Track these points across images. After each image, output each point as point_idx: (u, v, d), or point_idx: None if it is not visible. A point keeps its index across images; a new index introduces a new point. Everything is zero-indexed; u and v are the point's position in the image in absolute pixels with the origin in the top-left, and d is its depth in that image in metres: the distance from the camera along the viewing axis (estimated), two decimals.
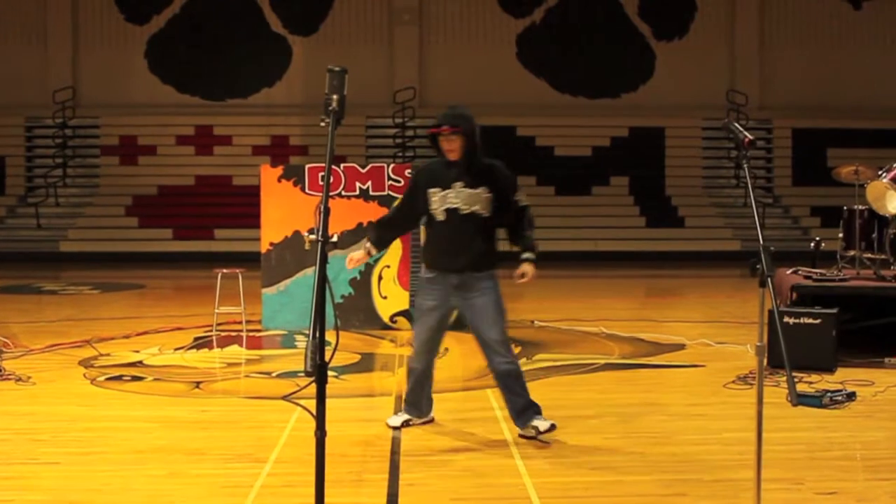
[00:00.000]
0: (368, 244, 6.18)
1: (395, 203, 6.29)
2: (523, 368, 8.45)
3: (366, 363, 8.78)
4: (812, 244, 9.82)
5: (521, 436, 6.06)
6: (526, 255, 6.13)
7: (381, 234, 6.28)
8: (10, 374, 7.83)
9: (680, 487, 5.09)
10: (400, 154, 24.00)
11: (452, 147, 5.94)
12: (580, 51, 25.10)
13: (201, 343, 9.87)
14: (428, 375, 6.35)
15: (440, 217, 5.99)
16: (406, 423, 6.34)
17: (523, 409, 6.08)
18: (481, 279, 6.04)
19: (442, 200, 5.97)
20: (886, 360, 8.35)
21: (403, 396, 6.49)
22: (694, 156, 25.04)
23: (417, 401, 6.38)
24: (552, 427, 6.00)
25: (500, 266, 6.15)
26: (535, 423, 6.02)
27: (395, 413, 6.50)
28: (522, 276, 6.14)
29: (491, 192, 6.00)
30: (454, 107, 6.11)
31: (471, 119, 6.00)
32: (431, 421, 6.44)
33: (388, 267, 10.58)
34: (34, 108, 24.41)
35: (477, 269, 6.03)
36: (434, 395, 7.26)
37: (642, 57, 25.53)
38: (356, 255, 6.11)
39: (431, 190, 5.99)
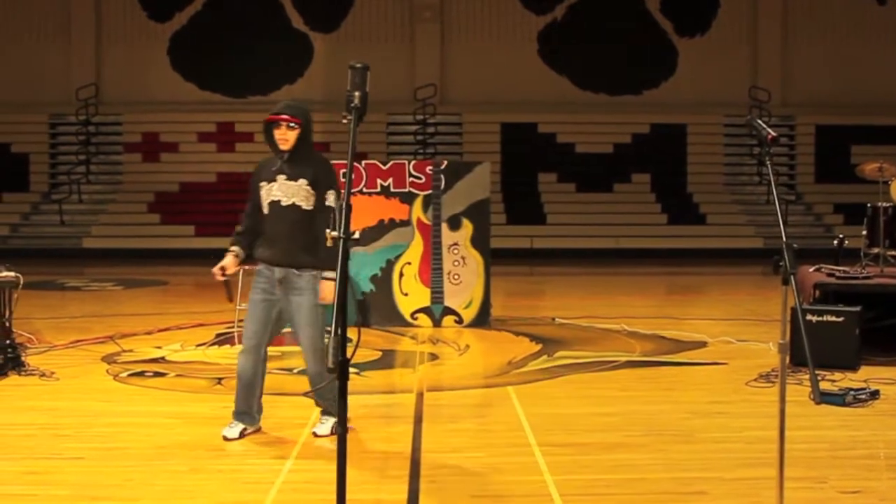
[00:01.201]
0: (237, 248, 6.20)
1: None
2: (544, 366, 8.50)
3: (387, 360, 8.79)
4: (835, 241, 9.76)
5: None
6: (325, 273, 5.82)
7: (248, 241, 6.22)
8: (34, 370, 7.88)
9: (701, 485, 5.07)
10: (421, 151, 24.01)
11: (287, 137, 5.94)
12: (602, 47, 25.02)
13: (223, 339, 9.90)
14: (257, 374, 6.07)
15: (265, 210, 5.99)
16: (242, 434, 6.01)
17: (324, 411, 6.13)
18: (301, 277, 5.92)
19: (267, 193, 5.98)
20: None
21: (234, 404, 6.10)
22: (716, 153, 24.94)
23: (249, 408, 6.07)
24: (333, 433, 5.82)
25: None
26: (320, 426, 6.07)
27: (230, 424, 6.07)
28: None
29: (310, 185, 5.92)
30: (294, 100, 6.11)
31: (308, 115, 6.07)
32: (259, 430, 6.12)
33: (409, 264, 10.59)
34: (58, 106, 24.56)
35: (297, 265, 5.91)
36: (455, 392, 7.26)
37: (664, 53, 25.43)
38: (225, 263, 6.20)
39: (261, 183, 6.03)
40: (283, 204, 5.91)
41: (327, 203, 5.87)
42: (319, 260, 5.77)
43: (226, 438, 5.96)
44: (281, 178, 5.95)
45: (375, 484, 5.15)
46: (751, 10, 25.48)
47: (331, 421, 6.01)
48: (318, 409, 6.22)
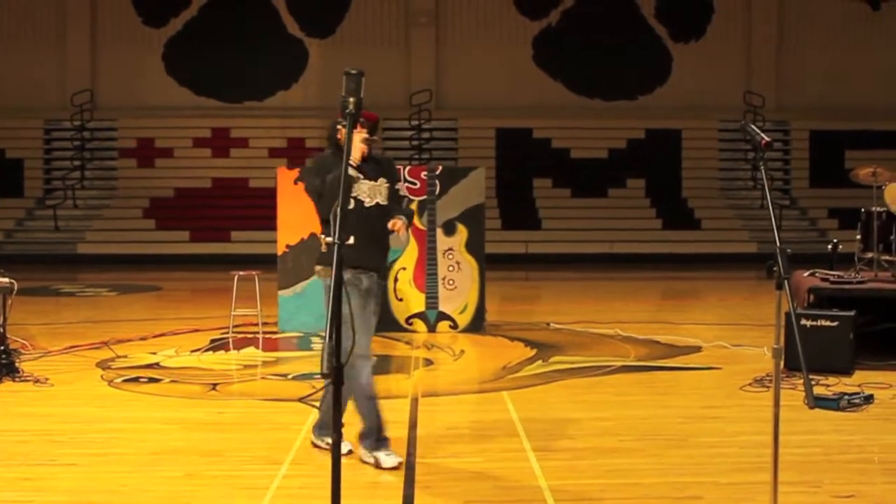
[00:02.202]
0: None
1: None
2: (539, 371, 8.51)
3: (381, 365, 8.78)
4: (829, 246, 9.77)
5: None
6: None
7: None
8: (28, 376, 7.87)
9: (696, 490, 5.07)
10: (416, 156, 24.01)
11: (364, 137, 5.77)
12: (596, 53, 25.04)
13: (218, 345, 9.89)
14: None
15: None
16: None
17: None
18: (380, 285, 5.85)
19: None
20: None
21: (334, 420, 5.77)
22: (710, 158, 24.98)
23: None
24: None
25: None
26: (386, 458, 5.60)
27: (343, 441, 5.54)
28: None
29: (388, 182, 5.86)
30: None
31: None
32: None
33: (404, 269, 10.59)
34: (52, 111, 24.55)
35: (381, 272, 5.87)
36: (450, 398, 7.26)
37: (659, 58, 25.47)
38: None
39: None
40: (367, 205, 5.75)
41: (402, 193, 5.78)
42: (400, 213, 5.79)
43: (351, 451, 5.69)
44: (360, 177, 5.75)
45: (370, 489, 5.16)
46: (745, 16, 25.53)
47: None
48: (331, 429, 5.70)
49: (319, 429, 5.92)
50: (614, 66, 25.08)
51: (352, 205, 5.59)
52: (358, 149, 5.67)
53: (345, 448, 5.51)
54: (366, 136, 5.72)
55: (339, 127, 5.72)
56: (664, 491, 5.08)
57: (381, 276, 5.86)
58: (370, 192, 5.73)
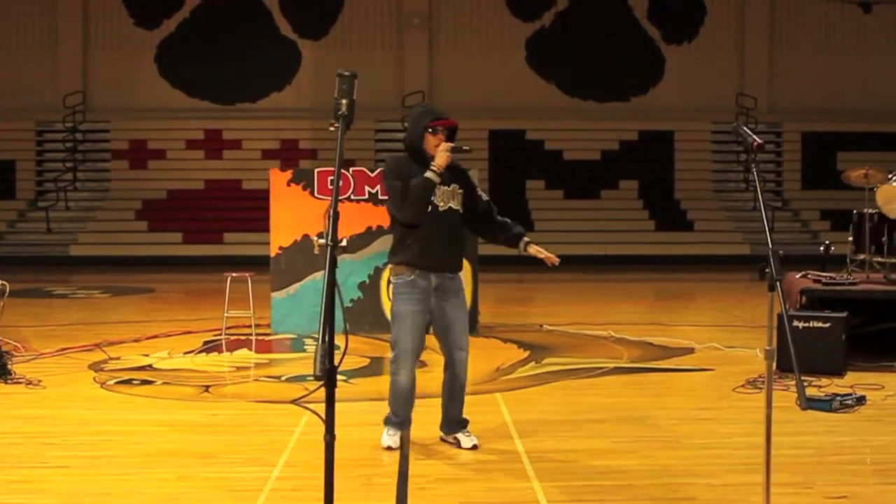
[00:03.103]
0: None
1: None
2: (532, 373, 8.52)
3: (375, 367, 8.78)
4: (821, 248, 9.80)
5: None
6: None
7: None
8: (20, 378, 7.86)
9: (689, 491, 5.08)
10: None
11: (442, 142, 5.83)
12: (589, 54, 25.09)
13: (211, 347, 9.88)
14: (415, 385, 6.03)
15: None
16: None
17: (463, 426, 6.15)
18: (455, 279, 6.01)
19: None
20: None
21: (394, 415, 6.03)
22: (703, 159, 25.03)
23: (408, 416, 6.04)
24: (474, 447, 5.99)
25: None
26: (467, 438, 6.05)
27: (389, 433, 6.04)
28: None
29: (462, 188, 5.96)
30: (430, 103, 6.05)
31: None
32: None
33: None
34: (44, 113, 24.51)
35: (455, 269, 6.03)
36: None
37: (652, 60, 25.52)
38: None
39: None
40: (441, 209, 5.84)
41: (485, 198, 6.04)
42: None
43: (391, 448, 5.89)
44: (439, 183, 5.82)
45: (363, 491, 5.15)
46: (738, 18, 25.60)
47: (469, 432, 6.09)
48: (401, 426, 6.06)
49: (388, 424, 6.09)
50: (607, 68, 25.12)
51: (428, 209, 5.79)
52: (443, 157, 5.75)
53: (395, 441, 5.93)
54: (450, 144, 5.80)
55: (427, 134, 5.82)
56: (657, 492, 5.09)
57: (454, 272, 5.97)
58: (443, 196, 5.84)
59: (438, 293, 5.89)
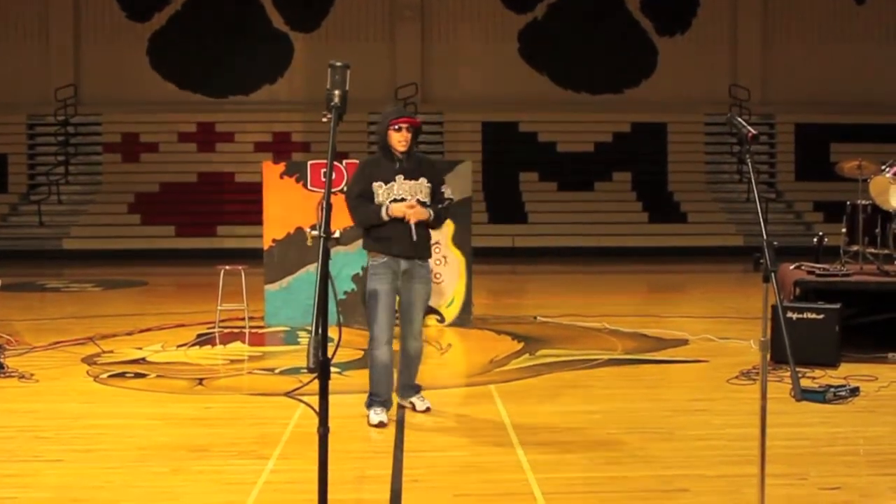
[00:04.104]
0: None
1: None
2: (526, 364, 8.52)
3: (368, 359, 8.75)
4: (815, 239, 9.80)
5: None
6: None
7: None
8: (13, 372, 7.84)
9: (683, 483, 5.08)
10: None
11: (407, 139, 6.31)
12: (582, 46, 25.07)
13: (204, 340, 9.86)
14: (393, 361, 6.46)
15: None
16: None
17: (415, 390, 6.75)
18: (424, 267, 6.47)
19: (388, 192, 6.30)
20: (890, 355, 8.33)
21: (393, 387, 6.55)
22: (696, 151, 25.02)
23: (390, 394, 6.49)
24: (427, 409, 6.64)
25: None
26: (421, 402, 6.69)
27: (375, 411, 6.39)
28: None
29: (430, 182, 6.39)
30: (399, 102, 6.37)
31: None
32: None
33: None
34: (36, 106, 24.42)
35: (424, 257, 6.48)
36: (438, 391, 7.29)
37: (644, 52, 25.50)
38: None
39: (377, 183, 6.32)
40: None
41: (447, 195, 6.42)
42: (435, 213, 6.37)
43: (382, 424, 6.26)
44: (400, 177, 6.31)
45: (357, 484, 5.15)
46: (731, 9, 25.58)
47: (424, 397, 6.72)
48: (407, 397, 6.71)
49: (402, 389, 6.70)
50: (600, 60, 25.10)
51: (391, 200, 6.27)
52: (400, 211, 6.22)
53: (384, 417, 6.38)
54: (413, 206, 6.27)
55: (391, 131, 6.32)
56: (651, 484, 5.09)
57: (423, 259, 6.45)
58: (410, 190, 6.29)
59: (405, 277, 6.35)
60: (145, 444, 5.87)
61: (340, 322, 3.96)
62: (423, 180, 6.33)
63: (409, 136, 6.30)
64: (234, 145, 24.37)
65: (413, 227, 6.24)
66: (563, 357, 8.81)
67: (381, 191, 6.29)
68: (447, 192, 6.44)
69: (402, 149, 6.30)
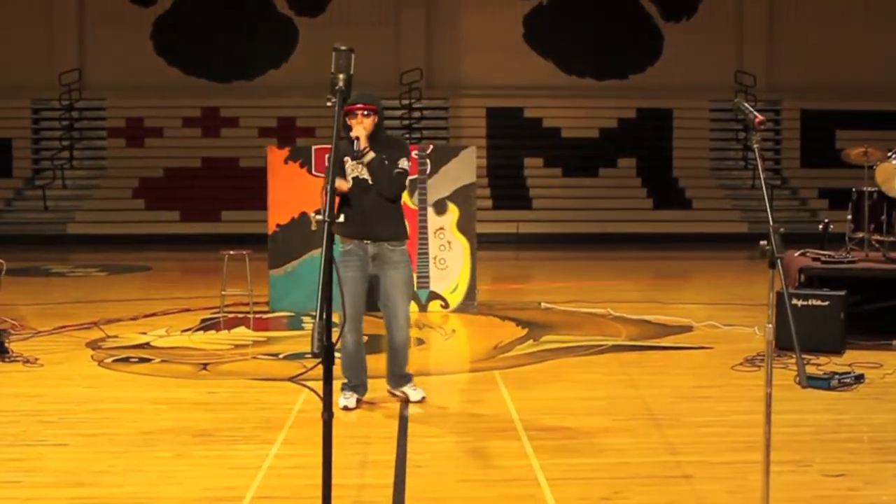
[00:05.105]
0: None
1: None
2: (531, 350, 8.52)
3: (372, 344, 8.76)
4: (820, 226, 9.77)
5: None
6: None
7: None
8: (17, 356, 7.85)
9: (687, 469, 5.08)
10: (407, 136, 23.95)
11: (364, 125, 6.17)
12: (587, 32, 25.00)
13: (208, 325, 9.87)
14: (362, 348, 6.47)
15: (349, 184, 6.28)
16: (358, 402, 6.45)
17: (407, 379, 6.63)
18: (395, 251, 6.32)
19: (352, 169, 6.23)
20: (894, 342, 8.32)
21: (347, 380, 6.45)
22: (701, 137, 24.98)
23: (361, 380, 6.45)
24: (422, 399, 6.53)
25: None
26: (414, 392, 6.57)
27: (345, 396, 6.40)
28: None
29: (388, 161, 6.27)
30: (366, 89, 6.23)
31: (380, 102, 6.29)
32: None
33: None
34: (40, 91, 24.40)
35: (391, 239, 6.32)
36: (442, 377, 7.29)
37: (650, 38, 25.43)
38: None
39: (346, 157, 6.24)
40: (371, 182, 6.20)
41: (400, 165, 6.23)
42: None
43: (347, 408, 6.27)
44: (352, 162, 6.23)
45: (361, 469, 5.15)
46: None
47: (416, 386, 6.60)
48: (400, 386, 6.58)
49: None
50: (605, 46, 25.04)
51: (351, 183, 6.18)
52: (344, 186, 6.18)
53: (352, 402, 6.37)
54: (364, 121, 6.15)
55: (348, 119, 6.16)
56: (655, 470, 5.09)
57: (392, 241, 6.30)
58: (359, 170, 6.19)
59: (377, 262, 6.27)
60: (150, 428, 5.88)
61: (344, 307, 3.95)
62: (382, 158, 6.17)
63: (367, 121, 6.15)
64: (238, 130, 24.35)
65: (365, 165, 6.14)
66: (567, 343, 8.81)
67: (347, 166, 6.24)
68: (402, 163, 6.24)
69: (357, 135, 6.15)
